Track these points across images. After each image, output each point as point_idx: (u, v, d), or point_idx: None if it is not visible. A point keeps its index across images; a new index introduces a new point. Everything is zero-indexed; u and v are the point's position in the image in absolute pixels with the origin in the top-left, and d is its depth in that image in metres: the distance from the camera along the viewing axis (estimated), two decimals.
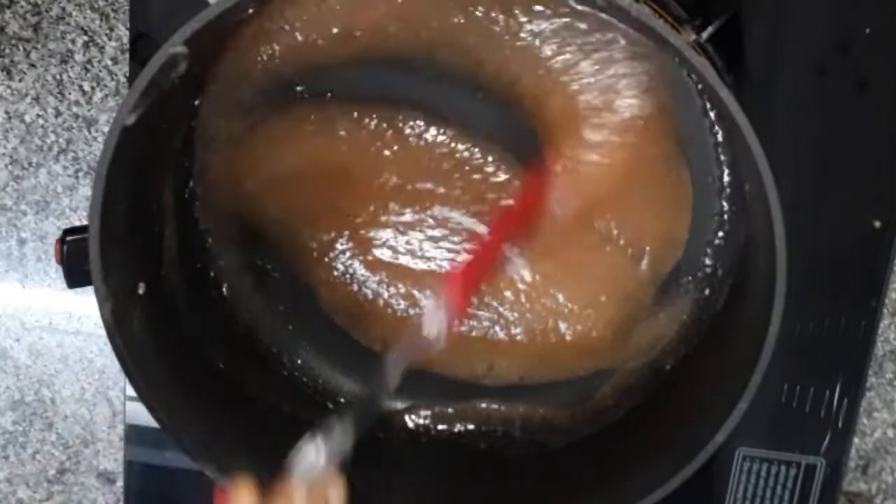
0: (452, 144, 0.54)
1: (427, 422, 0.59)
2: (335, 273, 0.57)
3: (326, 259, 0.57)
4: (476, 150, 0.54)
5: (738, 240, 0.52)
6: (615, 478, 0.51)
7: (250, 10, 0.49)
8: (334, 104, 0.53)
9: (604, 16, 0.48)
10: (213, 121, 0.53)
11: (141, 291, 0.49)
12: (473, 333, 0.57)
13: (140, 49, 0.57)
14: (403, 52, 0.52)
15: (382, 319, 0.58)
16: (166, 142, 0.52)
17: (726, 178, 0.52)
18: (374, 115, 0.53)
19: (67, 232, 0.50)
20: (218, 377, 0.55)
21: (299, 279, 0.58)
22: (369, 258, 0.56)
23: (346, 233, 0.56)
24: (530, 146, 0.53)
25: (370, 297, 0.57)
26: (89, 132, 0.70)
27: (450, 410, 0.59)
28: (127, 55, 0.67)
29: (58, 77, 0.69)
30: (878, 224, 0.56)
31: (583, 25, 0.49)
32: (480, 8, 0.50)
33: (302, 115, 0.53)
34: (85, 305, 0.74)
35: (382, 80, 0.53)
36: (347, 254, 0.56)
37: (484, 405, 0.58)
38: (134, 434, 0.65)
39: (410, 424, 0.59)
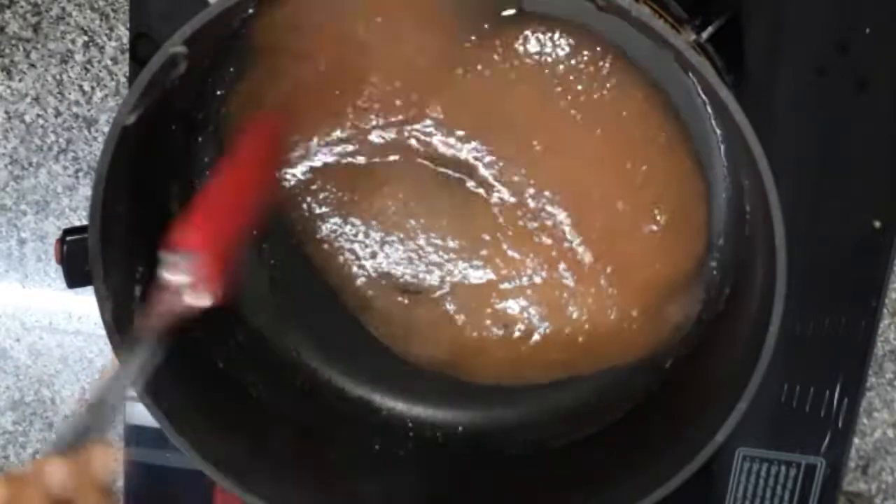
0: None
1: (426, 423, 0.59)
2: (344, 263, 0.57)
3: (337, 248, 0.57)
4: None
5: (738, 240, 0.52)
6: (616, 477, 0.51)
7: (250, 10, 0.49)
8: None
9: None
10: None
11: (141, 292, 0.49)
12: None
13: (140, 49, 0.57)
14: None
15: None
16: (168, 140, 0.52)
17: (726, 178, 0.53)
18: None
19: (67, 232, 0.50)
20: (218, 377, 0.55)
21: (303, 278, 0.58)
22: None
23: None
24: None
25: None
26: (89, 132, 0.70)
27: (450, 411, 0.59)
28: (127, 55, 0.67)
29: (58, 77, 0.69)
30: (878, 224, 0.56)
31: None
32: None
33: None
34: (85, 305, 0.74)
35: None
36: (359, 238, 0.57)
37: (482, 405, 0.59)
38: (134, 434, 0.65)
39: (410, 425, 0.59)
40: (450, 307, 0.56)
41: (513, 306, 0.56)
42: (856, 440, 0.70)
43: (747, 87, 0.54)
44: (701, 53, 0.49)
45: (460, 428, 0.59)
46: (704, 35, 0.50)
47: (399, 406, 0.59)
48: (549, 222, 0.54)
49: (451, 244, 0.56)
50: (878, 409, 0.71)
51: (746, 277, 0.51)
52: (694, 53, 0.43)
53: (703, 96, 0.51)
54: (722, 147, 0.52)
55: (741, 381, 0.45)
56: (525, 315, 0.56)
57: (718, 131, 0.52)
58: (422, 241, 0.56)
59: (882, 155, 0.56)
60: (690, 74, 0.50)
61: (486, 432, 0.58)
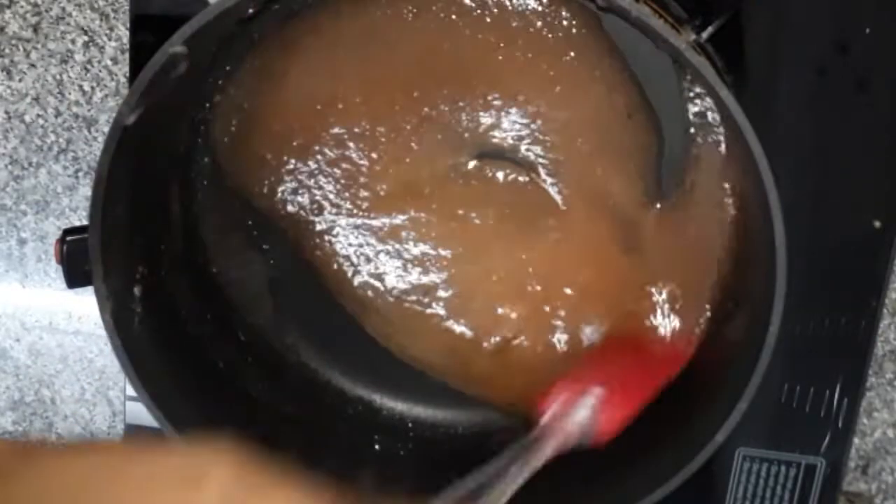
0: None
1: (426, 423, 0.59)
2: (344, 263, 0.57)
3: (336, 249, 0.57)
4: None
5: (737, 240, 0.52)
6: (615, 478, 0.51)
7: (250, 10, 0.49)
8: None
9: None
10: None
11: (141, 292, 0.49)
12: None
13: (140, 49, 0.57)
14: None
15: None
16: (168, 140, 0.52)
17: None
18: None
19: (67, 232, 0.50)
20: (218, 377, 0.55)
21: (303, 278, 0.58)
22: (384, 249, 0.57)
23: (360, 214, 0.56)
24: None
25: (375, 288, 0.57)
26: (89, 132, 0.70)
27: (449, 411, 0.59)
28: (127, 55, 0.67)
29: (58, 77, 0.69)
30: (878, 224, 0.56)
31: None
32: None
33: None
34: (85, 305, 0.74)
35: None
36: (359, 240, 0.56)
37: (482, 405, 0.58)
38: (134, 434, 0.65)
39: (410, 425, 0.59)
40: (444, 313, 0.56)
41: (505, 319, 0.56)
42: (856, 440, 0.69)
43: (747, 87, 0.54)
44: (701, 53, 0.49)
45: (460, 428, 0.59)
46: (704, 35, 0.50)
47: (399, 406, 0.59)
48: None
49: (445, 252, 0.56)
50: (878, 409, 0.71)
51: (746, 277, 0.51)
52: (694, 53, 0.43)
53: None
54: (690, 108, 0.52)
55: (741, 381, 0.45)
56: (518, 328, 0.56)
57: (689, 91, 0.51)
58: (419, 247, 0.56)
59: (882, 155, 0.56)
60: (690, 74, 0.50)
61: (486, 432, 0.58)
